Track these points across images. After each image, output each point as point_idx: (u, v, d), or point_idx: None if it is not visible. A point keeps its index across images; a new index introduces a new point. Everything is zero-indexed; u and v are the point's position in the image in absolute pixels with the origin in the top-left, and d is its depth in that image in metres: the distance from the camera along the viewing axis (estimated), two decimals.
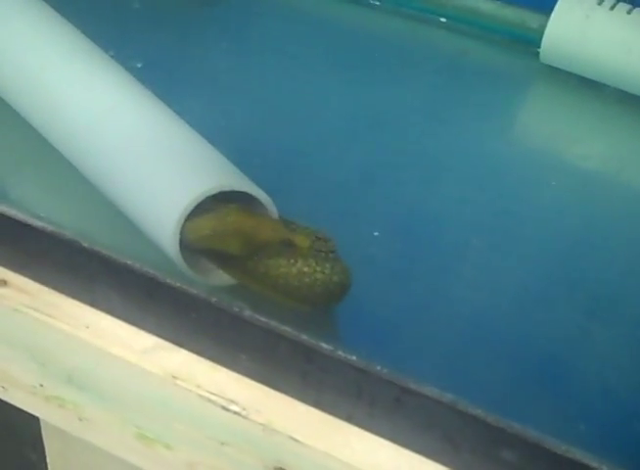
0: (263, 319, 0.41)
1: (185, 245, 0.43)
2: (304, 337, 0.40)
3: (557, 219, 0.53)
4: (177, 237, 0.43)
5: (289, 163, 0.54)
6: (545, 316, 0.47)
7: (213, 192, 0.43)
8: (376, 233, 0.50)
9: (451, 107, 0.62)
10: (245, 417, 0.43)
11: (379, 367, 0.39)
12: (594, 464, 0.36)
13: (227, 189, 0.43)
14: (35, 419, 0.57)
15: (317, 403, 0.42)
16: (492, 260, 0.50)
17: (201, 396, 0.43)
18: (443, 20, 0.69)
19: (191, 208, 0.43)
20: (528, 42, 0.66)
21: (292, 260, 0.42)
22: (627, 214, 0.54)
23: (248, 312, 0.42)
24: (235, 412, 0.43)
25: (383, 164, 0.56)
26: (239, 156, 0.47)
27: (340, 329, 0.45)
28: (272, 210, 0.44)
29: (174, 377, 0.44)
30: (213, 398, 0.43)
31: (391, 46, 0.66)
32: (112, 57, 0.52)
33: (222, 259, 0.44)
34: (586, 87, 0.63)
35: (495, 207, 0.53)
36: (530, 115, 0.64)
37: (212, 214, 0.43)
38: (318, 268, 0.42)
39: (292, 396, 0.43)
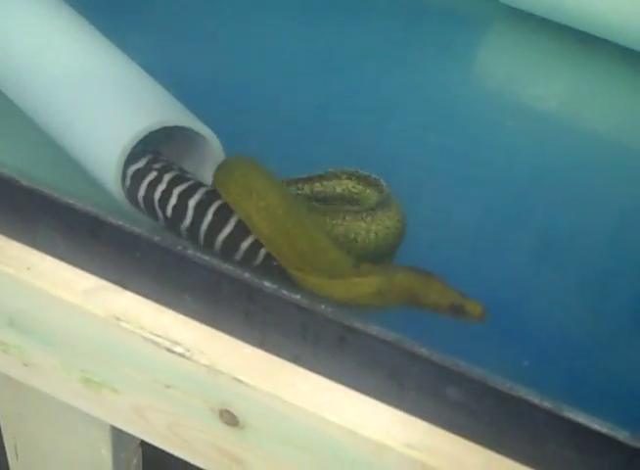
0: (206, 257, 0.40)
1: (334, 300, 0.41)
2: (247, 275, 0.39)
3: (512, 159, 0.53)
4: (120, 173, 0.42)
5: (240, 102, 0.53)
6: (496, 256, 0.46)
7: (156, 127, 0.42)
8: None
9: (410, 48, 0.61)
10: (189, 359, 0.42)
11: (322, 306, 0.39)
12: (536, 400, 0.36)
13: (170, 124, 0.42)
14: None
15: (262, 344, 0.42)
16: (447, 201, 0.49)
17: (145, 337, 0.43)
18: None
19: (133, 143, 0.41)
20: None
21: None
22: (581, 154, 0.54)
23: (191, 251, 0.41)
24: (179, 354, 0.42)
25: (337, 104, 0.55)
26: (188, 95, 0.46)
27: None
28: (217, 146, 0.43)
29: (118, 319, 0.43)
30: (158, 339, 0.43)
31: None
32: None
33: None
34: (546, 28, 0.62)
35: (450, 147, 0.53)
36: (490, 55, 0.63)
37: (378, 272, 0.41)
38: None
39: (236, 336, 0.42)
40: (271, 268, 0.42)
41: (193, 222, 0.43)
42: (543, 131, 0.55)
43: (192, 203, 0.42)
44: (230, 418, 0.43)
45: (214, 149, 0.43)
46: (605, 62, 0.61)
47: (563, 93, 0.59)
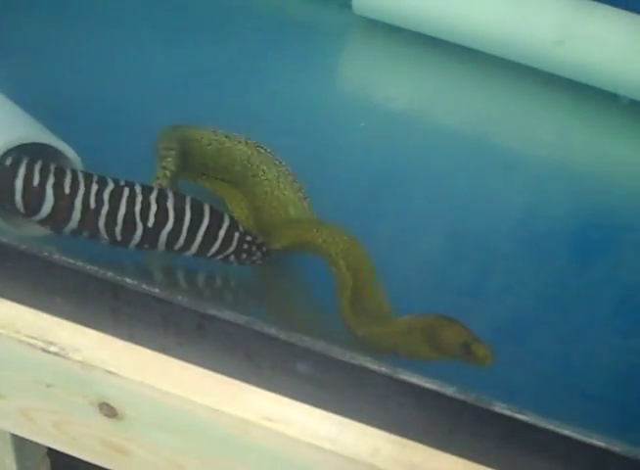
0: (71, 260, 0.43)
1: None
2: (110, 274, 0.43)
3: (364, 157, 0.57)
4: None
5: (104, 120, 0.56)
6: None
7: (14, 144, 0.44)
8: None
9: (269, 61, 0.65)
10: (64, 357, 0.45)
11: (179, 297, 0.42)
12: (374, 366, 0.40)
13: (27, 141, 0.44)
14: None
15: (131, 337, 0.45)
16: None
17: (20, 340, 0.45)
18: None
19: None
20: None
21: None
22: (429, 149, 0.58)
23: (57, 256, 0.43)
24: (54, 353, 0.45)
25: (199, 118, 0.57)
26: (48, 115, 0.48)
27: None
28: (74, 158, 0.46)
29: None
30: (33, 341, 0.45)
31: (209, 4, 0.69)
32: None
33: None
34: (396, 35, 0.67)
35: (306, 151, 0.56)
36: (344, 64, 0.68)
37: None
38: None
39: (107, 332, 0.45)
40: (242, 251, 0.47)
41: (175, 225, 0.45)
42: (394, 129, 0.60)
43: (170, 205, 0.45)
44: (109, 410, 0.46)
45: (73, 161, 0.46)
46: (452, 64, 0.66)
47: (413, 94, 0.64)
